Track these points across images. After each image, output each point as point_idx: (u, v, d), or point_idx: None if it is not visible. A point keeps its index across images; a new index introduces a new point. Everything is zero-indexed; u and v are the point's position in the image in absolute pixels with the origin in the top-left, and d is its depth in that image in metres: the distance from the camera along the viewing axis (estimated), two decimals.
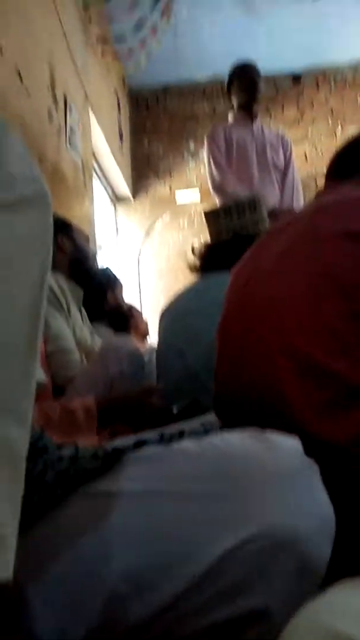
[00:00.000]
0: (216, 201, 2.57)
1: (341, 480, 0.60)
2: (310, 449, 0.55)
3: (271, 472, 0.49)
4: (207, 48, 3.64)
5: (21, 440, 0.38)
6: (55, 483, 0.47)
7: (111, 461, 0.50)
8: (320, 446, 0.62)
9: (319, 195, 0.97)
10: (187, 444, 0.53)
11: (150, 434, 0.56)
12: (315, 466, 0.52)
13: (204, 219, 1.57)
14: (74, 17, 2.63)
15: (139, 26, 3.06)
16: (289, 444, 0.53)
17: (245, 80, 2.63)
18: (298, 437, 0.56)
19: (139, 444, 0.52)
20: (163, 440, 0.56)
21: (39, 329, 0.42)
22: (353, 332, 0.74)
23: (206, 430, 0.65)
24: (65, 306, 1.49)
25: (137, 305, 2.65)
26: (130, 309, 2.13)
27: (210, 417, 0.87)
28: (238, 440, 0.53)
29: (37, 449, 0.45)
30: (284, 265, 0.84)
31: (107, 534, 0.45)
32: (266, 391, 0.75)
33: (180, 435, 0.59)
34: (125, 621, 0.43)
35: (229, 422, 0.77)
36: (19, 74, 1.88)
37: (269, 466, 0.49)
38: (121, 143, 3.79)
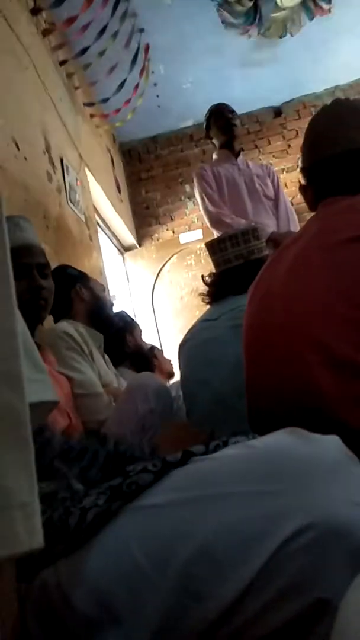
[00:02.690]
0: (215, 235, 2.61)
1: None
2: (348, 441, 0.54)
3: (315, 465, 0.48)
4: (188, 98, 3.82)
5: (20, 404, 0.36)
6: (109, 499, 0.47)
7: (162, 474, 0.49)
8: (357, 437, 0.61)
9: (322, 207, 1.00)
10: (230, 450, 0.53)
11: (195, 447, 0.55)
12: (357, 459, 0.52)
13: (208, 249, 1.59)
14: (60, 87, 2.80)
15: (120, 86, 3.23)
16: (329, 439, 0.53)
17: (220, 122, 2.77)
18: (336, 430, 0.55)
19: (187, 456, 0.52)
20: (208, 451, 0.56)
21: (10, 283, 0.41)
22: None
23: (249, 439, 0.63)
24: (87, 351, 1.50)
25: (157, 347, 2.65)
26: (152, 349, 2.13)
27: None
28: (278, 439, 0.53)
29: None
30: (300, 268, 0.85)
31: (158, 545, 0.45)
32: (299, 387, 0.74)
33: (224, 444, 0.58)
34: (188, 626, 0.43)
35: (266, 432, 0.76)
36: (16, 144, 1.99)
37: (312, 459, 0.49)
38: (120, 195, 3.93)
